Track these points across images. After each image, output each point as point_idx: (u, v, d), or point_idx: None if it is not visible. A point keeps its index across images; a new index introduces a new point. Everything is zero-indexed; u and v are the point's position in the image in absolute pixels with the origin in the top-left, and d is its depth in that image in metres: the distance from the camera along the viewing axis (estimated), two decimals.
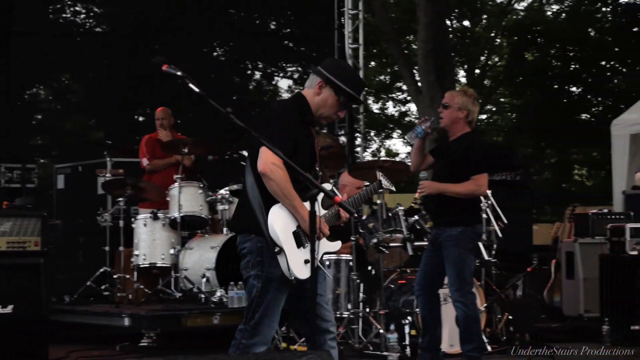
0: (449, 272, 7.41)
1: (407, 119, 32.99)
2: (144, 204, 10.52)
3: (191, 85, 4.57)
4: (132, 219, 10.04)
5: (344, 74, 5.23)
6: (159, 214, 9.80)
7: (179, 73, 4.57)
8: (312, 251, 4.63)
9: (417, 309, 8.44)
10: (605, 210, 11.06)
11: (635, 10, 24.39)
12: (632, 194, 11.31)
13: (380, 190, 6.64)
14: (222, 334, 7.62)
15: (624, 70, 25.19)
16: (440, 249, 7.45)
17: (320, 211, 5.11)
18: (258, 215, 4.94)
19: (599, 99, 25.71)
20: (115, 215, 10.02)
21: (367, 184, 7.80)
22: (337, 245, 5.29)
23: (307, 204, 4.97)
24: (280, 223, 4.93)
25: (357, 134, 16.19)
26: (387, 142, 35.31)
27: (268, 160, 4.88)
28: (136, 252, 9.78)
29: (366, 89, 21.27)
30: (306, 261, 4.98)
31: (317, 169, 5.19)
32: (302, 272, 4.97)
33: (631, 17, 24.30)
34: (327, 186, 5.29)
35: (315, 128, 5.38)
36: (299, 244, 4.99)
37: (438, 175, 7.63)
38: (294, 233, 4.98)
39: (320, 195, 4.75)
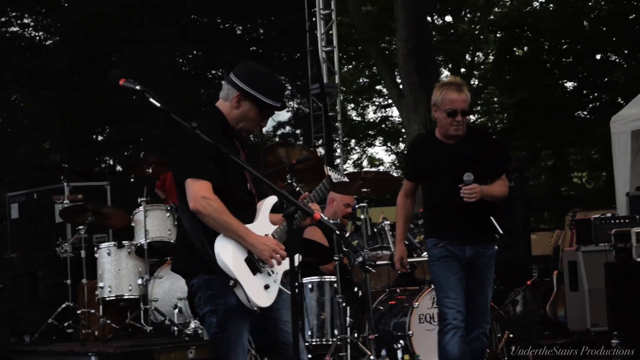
0: (487, 297, 7.28)
1: (389, 124, 33.07)
2: None
3: (152, 100, 4.57)
4: (95, 249, 9.96)
5: (262, 83, 5.11)
6: (123, 242, 9.76)
7: (137, 87, 4.56)
8: (292, 273, 4.60)
9: (410, 332, 8.45)
10: (609, 215, 11.04)
11: None
12: (637, 195, 11.30)
13: (332, 186, 6.36)
14: None
15: (622, 62, 25.27)
16: (473, 270, 7.07)
17: (269, 228, 5.09)
18: (201, 251, 4.89)
19: (596, 94, 25.77)
20: (76, 245, 9.98)
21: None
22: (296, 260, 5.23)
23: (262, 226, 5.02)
24: (229, 253, 4.88)
25: (336, 144, 16.23)
26: (370, 150, 35.37)
27: (197, 195, 4.85)
28: (101, 284, 9.73)
29: (342, 94, 21.25)
30: (266, 287, 4.97)
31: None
32: (263, 299, 4.96)
33: (627, 4, 24.39)
34: (272, 200, 5.20)
35: (245, 141, 5.33)
36: (254, 270, 4.95)
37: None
38: (247, 260, 4.93)
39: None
